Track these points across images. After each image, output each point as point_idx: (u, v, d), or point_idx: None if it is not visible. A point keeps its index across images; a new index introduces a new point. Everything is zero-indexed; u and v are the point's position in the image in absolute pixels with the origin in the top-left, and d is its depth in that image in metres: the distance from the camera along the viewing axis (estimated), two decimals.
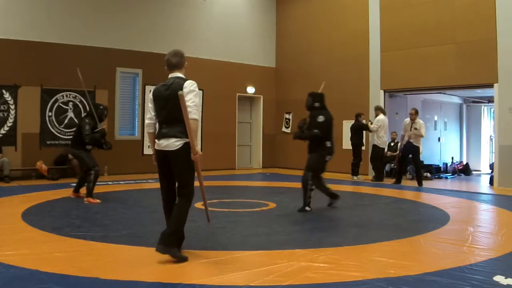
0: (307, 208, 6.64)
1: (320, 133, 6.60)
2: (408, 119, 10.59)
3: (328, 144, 6.65)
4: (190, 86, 3.99)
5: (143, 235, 4.96)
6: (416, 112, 10.48)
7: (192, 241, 4.70)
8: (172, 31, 12.85)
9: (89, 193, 7.25)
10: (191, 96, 3.94)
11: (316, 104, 6.82)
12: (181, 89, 3.92)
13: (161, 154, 4.02)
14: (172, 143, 3.94)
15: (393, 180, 11.05)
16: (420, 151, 10.52)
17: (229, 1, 14.21)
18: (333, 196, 7.15)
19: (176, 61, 4.11)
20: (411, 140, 10.36)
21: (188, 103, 3.87)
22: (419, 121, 10.47)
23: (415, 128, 10.30)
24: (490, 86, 10.41)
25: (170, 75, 4.11)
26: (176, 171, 4.01)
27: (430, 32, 11.28)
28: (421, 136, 10.38)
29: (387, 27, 12.11)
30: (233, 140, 14.12)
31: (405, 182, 10.78)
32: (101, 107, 7.88)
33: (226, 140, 13.82)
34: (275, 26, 15.22)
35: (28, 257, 3.97)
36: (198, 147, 3.98)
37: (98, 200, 7.25)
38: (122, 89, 12.20)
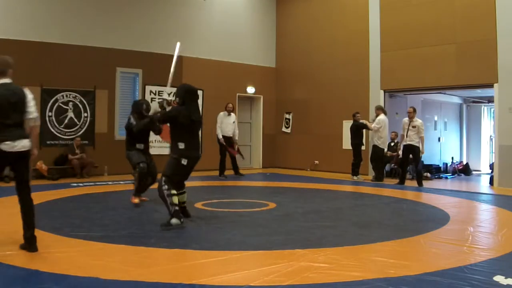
0: (173, 221, 5.28)
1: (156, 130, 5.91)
2: (406, 118, 10.55)
3: (181, 145, 5.55)
4: (30, 93, 4.45)
5: (143, 235, 4.96)
6: (414, 110, 10.42)
7: (192, 241, 4.71)
8: (172, 31, 12.85)
9: (135, 192, 7.03)
10: (34, 103, 4.47)
11: (177, 99, 5.75)
12: (24, 95, 4.34)
13: (10, 155, 4.26)
14: (26, 143, 4.34)
15: (394, 180, 11.05)
16: (422, 151, 10.37)
17: (229, 1, 14.21)
18: (185, 213, 5.87)
19: (10, 69, 4.39)
20: (410, 142, 10.32)
21: (33, 109, 4.44)
22: (418, 120, 10.41)
23: (413, 127, 10.24)
24: (490, 86, 10.40)
25: (2, 81, 4.29)
26: (24, 168, 4.47)
27: (430, 32, 11.28)
28: (420, 137, 10.24)
29: (387, 27, 12.11)
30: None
31: (405, 182, 10.76)
32: (140, 101, 7.83)
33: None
34: (275, 26, 15.22)
35: (28, 257, 3.97)
36: None
37: (136, 200, 6.95)
38: (122, 89, 12.20)
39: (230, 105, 11.97)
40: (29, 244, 4.22)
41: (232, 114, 11.87)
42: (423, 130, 10.35)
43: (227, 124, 11.63)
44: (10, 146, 4.22)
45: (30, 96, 4.40)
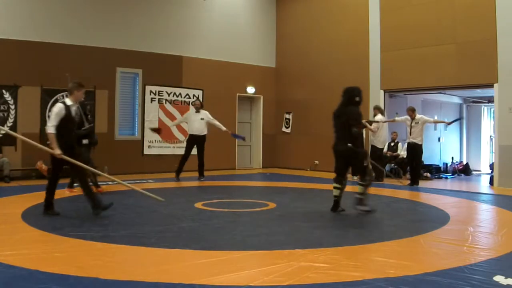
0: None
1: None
2: (405, 117, 10.64)
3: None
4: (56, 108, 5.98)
5: (143, 235, 4.96)
6: (413, 110, 10.51)
7: (192, 241, 4.70)
8: (172, 31, 12.85)
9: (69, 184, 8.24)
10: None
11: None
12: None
13: None
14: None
15: (394, 180, 11.02)
16: (449, 123, 10.80)
17: (229, 1, 14.21)
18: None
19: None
20: (413, 140, 10.31)
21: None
22: (419, 116, 10.52)
23: (416, 123, 10.32)
24: (490, 86, 10.40)
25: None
26: None
27: (430, 32, 11.28)
28: (433, 121, 10.90)
29: (387, 27, 12.11)
30: (233, 140, 14.11)
31: (405, 182, 10.76)
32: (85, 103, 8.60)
33: (226, 140, 13.80)
34: (275, 26, 15.22)
35: (28, 257, 3.97)
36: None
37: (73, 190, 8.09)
38: (122, 89, 12.20)
39: (197, 102, 11.36)
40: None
41: (202, 110, 11.02)
42: (428, 119, 10.58)
43: (194, 121, 10.85)
44: None
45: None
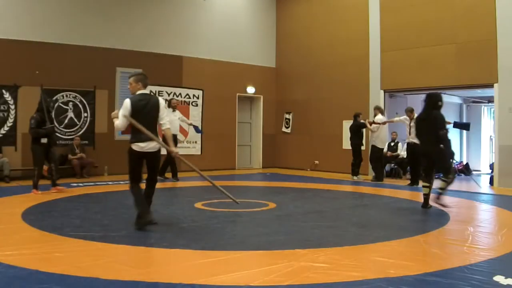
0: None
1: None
2: (404, 117, 10.65)
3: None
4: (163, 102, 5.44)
5: (143, 235, 4.96)
6: (412, 111, 10.49)
7: (192, 241, 4.70)
8: (172, 31, 12.86)
9: (34, 185, 8.03)
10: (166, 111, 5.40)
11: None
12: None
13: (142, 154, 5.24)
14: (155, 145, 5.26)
15: (394, 180, 11.02)
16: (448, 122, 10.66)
17: (229, 1, 14.21)
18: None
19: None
20: (412, 139, 10.31)
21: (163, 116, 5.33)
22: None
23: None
24: (490, 86, 10.40)
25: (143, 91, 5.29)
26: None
27: (430, 32, 11.28)
28: None
29: (387, 27, 12.11)
30: (233, 140, 14.12)
31: (404, 182, 10.77)
32: (48, 99, 8.70)
33: (226, 140, 13.83)
34: (275, 26, 15.22)
35: (28, 257, 3.97)
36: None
37: (39, 192, 7.94)
38: (122, 89, 12.19)
39: (175, 100, 11.41)
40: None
41: (177, 110, 11.15)
42: None
43: (173, 121, 10.46)
44: (139, 147, 5.12)
45: (163, 105, 5.31)
